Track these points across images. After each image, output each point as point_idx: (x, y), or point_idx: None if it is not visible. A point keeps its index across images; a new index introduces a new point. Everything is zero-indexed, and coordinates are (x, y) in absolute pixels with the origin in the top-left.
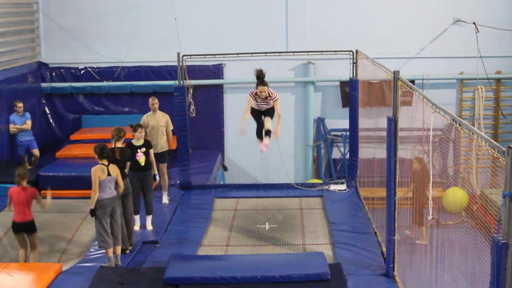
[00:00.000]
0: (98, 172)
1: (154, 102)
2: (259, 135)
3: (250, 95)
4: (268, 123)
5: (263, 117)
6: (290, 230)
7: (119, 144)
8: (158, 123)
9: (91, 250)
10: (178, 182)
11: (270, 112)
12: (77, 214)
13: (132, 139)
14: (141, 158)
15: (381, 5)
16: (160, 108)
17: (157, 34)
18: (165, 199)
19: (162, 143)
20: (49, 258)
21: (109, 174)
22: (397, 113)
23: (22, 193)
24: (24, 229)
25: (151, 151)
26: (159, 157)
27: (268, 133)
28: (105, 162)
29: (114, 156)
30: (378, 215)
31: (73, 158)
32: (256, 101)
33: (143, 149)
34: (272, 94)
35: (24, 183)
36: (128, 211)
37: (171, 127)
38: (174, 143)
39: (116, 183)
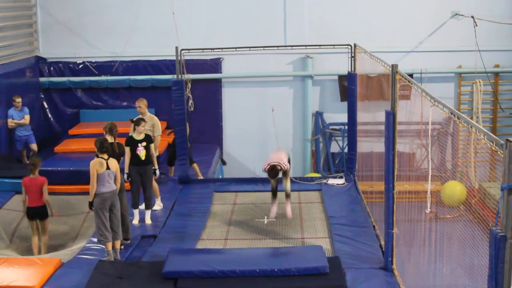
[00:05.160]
0: (96, 165)
1: (137, 105)
2: (274, 195)
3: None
4: (287, 185)
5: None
6: (289, 224)
7: (111, 140)
8: (145, 127)
9: (90, 244)
10: (177, 176)
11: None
12: (76, 207)
13: (128, 133)
14: (141, 152)
15: None
16: (158, 103)
17: (155, 28)
18: (158, 206)
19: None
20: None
21: (108, 168)
22: (396, 107)
23: (34, 181)
24: (37, 214)
25: (152, 146)
26: None
27: (287, 196)
28: (105, 156)
29: (113, 151)
30: (377, 208)
31: (72, 152)
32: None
33: (144, 143)
34: (283, 167)
35: (36, 172)
36: (123, 206)
37: (158, 132)
38: (162, 147)
39: (115, 177)
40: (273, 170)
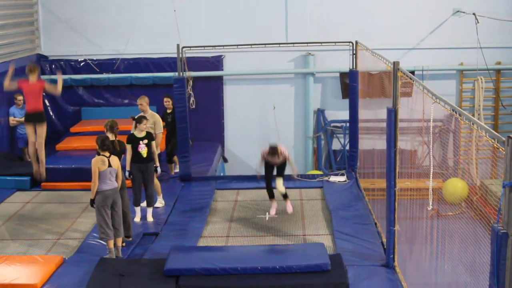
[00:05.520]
0: (98, 163)
1: (139, 103)
2: (270, 195)
3: (262, 154)
4: (280, 185)
5: (275, 175)
6: (290, 221)
7: (112, 137)
8: (146, 125)
9: (90, 240)
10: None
11: (281, 169)
12: (78, 204)
13: (130, 130)
14: (143, 149)
15: None
16: (160, 100)
17: (156, 26)
18: (159, 203)
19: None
20: (48, 246)
21: (109, 166)
22: (397, 104)
23: (32, 85)
24: (35, 118)
25: (153, 143)
26: None
27: (285, 196)
28: (106, 153)
29: (115, 148)
30: (378, 206)
31: (73, 150)
32: (267, 158)
33: (145, 141)
34: (283, 152)
35: (35, 77)
36: (125, 204)
37: (160, 130)
38: (163, 144)
39: (117, 175)
40: (273, 149)
